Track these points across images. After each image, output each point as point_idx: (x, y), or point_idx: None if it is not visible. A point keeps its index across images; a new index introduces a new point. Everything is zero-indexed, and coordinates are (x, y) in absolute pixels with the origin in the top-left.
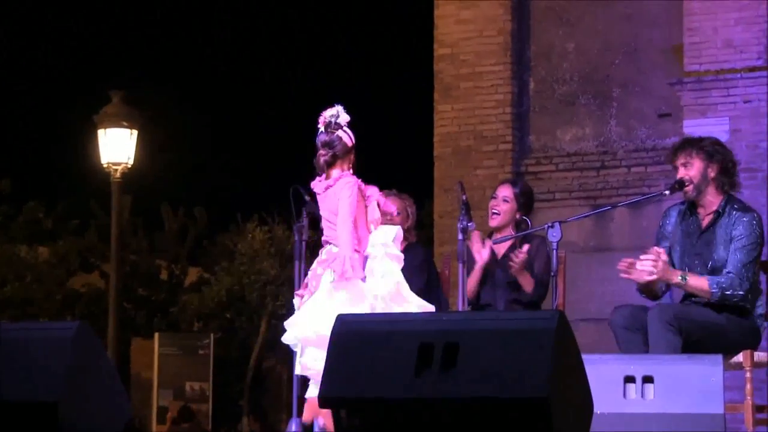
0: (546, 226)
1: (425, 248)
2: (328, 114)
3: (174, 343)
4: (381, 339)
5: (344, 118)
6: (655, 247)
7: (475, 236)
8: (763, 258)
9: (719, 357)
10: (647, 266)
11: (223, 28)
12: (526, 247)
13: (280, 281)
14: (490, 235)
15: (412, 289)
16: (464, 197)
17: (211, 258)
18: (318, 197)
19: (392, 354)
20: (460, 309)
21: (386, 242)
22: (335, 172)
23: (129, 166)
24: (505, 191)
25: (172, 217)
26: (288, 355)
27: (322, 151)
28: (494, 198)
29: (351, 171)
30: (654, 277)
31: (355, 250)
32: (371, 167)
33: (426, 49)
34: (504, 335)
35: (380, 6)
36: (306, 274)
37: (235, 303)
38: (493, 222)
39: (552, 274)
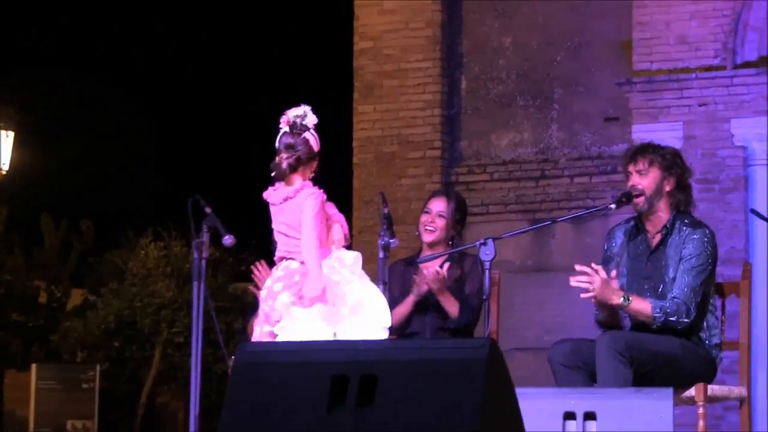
0: (477, 243)
1: None
2: (292, 114)
3: (54, 375)
4: (289, 371)
5: (311, 119)
6: (593, 264)
7: (425, 269)
8: (718, 280)
9: (669, 391)
10: (582, 282)
11: (115, 19)
12: (446, 265)
13: (177, 305)
14: (417, 254)
15: None
16: (386, 210)
17: (97, 278)
18: (271, 208)
19: (302, 387)
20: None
21: (355, 266)
22: (296, 180)
23: (3, 172)
24: (440, 205)
25: (53, 230)
26: (184, 389)
27: (284, 154)
28: (427, 213)
29: (312, 181)
30: (591, 295)
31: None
32: None
33: (345, 42)
34: (428, 367)
35: None
36: (201, 296)
37: (124, 330)
38: (428, 237)
39: (484, 297)
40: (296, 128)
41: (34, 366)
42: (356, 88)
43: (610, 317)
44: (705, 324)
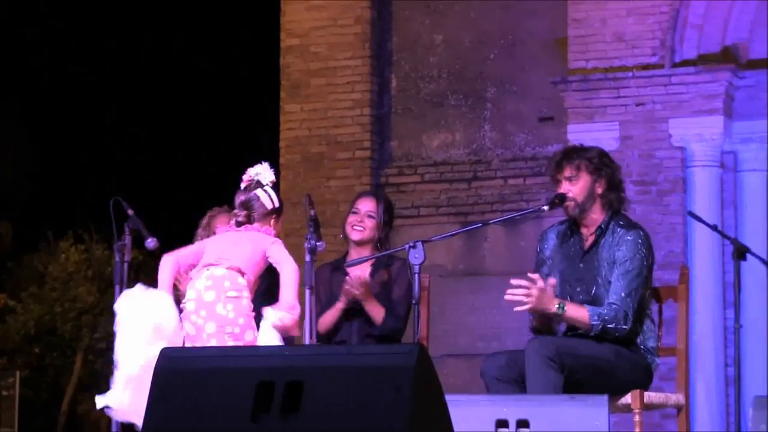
0: (407, 246)
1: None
2: (251, 171)
3: None
4: (212, 377)
5: (268, 176)
6: (530, 273)
7: (355, 273)
8: (655, 284)
9: (604, 398)
10: (518, 295)
11: (31, 14)
12: (368, 271)
13: (99, 310)
14: (343, 258)
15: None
16: (313, 212)
17: (16, 282)
18: (225, 237)
19: (225, 394)
20: (307, 343)
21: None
22: None
23: None
24: (369, 205)
25: None
26: None
27: (236, 211)
28: (355, 213)
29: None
30: (527, 307)
31: None
32: (211, 175)
33: (272, 39)
34: (355, 373)
35: None
36: None
37: (45, 335)
38: (356, 236)
39: (413, 301)
40: (251, 186)
41: None
42: (283, 87)
43: (544, 323)
44: (641, 328)
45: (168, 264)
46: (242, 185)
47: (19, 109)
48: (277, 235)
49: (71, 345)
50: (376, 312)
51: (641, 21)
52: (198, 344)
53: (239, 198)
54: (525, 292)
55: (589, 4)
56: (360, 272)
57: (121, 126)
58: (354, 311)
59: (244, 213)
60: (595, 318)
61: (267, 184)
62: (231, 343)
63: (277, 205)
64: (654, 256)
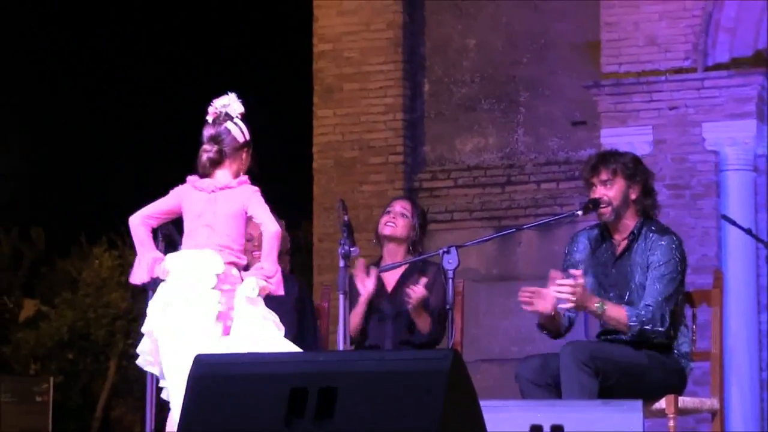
0: (441, 251)
1: (300, 280)
2: (218, 103)
3: (6, 388)
4: (246, 383)
5: (236, 108)
6: (573, 270)
7: (360, 264)
8: (689, 288)
9: (639, 403)
10: (565, 292)
11: (54, 20)
12: (423, 280)
13: (132, 315)
14: (377, 263)
15: (285, 334)
16: (346, 218)
17: (50, 288)
18: (194, 197)
19: (259, 400)
20: (341, 348)
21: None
22: (221, 174)
23: None
24: (403, 204)
25: (3, 239)
26: (140, 402)
27: (206, 146)
28: (388, 212)
29: (245, 175)
30: (571, 305)
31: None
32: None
33: (304, 44)
34: (388, 378)
35: None
36: None
37: (78, 341)
38: (388, 230)
39: (448, 307)
40: (219, 118)
41: None
42: (315, 92)
43: (550, 321)
44: (674, 332)
45: (137, 223)
46: (209, 118)
47: (50, 113)
48: (249, 170)
49: (104, 351)
50: (424, 323)
51: (674, 24)
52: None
53: (208, 132)
54: (570, 290)
55: (621, 8)
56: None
57: (153, 132)
58: (384, 316)
59: (215, 148)
60: (634, 318)
61: (236, 116)
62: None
63: (248, 137)
64: (687, 260)
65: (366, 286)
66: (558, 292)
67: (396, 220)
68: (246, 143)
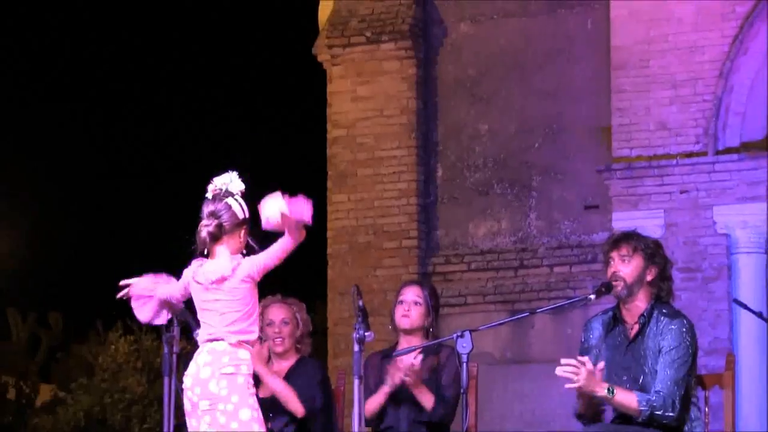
0: (455, 335)
1: (320, 362)
2: (218, 181)
3: None
4: None
5: (237, 186)
6: (579, 357)
7: (400, 361)
8: (701, 371)
9: None
10: (568, 372)
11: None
12: (419, 357)
13: (148, 400)
14: (394, 347)
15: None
16: (360, 303)
17: (66, 373)
18: (198, 286)
19: None
20: (356, 431)
21: None
22: (220, 252)
23: None
24: (415, 292)
25: (20, 324)
26: None
27: (205, 222)
28: (401, 302)
29: (242, 251)
30: (576, 385)
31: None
32: None
33: (319, 129)
34: None
35: (263, 79)
36: (172, 392)
37: (95, 426)
38: (406, 323)
39: (462, 390)
40: (219, 195)
41: None
42: (330, 177)
43: (589, 409)
44: (686, 415)
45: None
46: (209, 194)
47: (66, 202)
48: (246, 245)
49: None
50: (427, 399)
51: (684, 109)
52: (193, 419)
53: (208, 208)
54: (574, 371)
55: (632, 93)
56: (411, 359)
57: (166, 218)
58: (402, 397)
59: (214, 223)
60: (644, 404)
61: (236, 193)
62: (223, 420)
63: (247, 215)
64: (698, 344)
65: (394, 378)
66: (563, 372)
67: (410, 312)
68: (245, 220)
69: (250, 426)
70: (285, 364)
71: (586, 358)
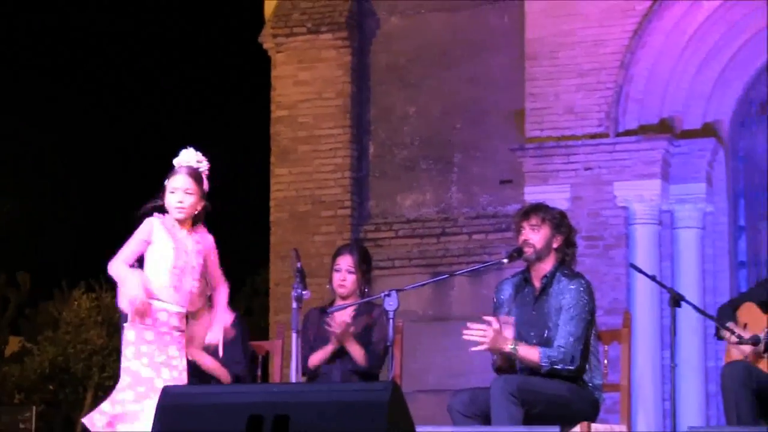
0: (383, 294)
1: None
2: (183, 156)
3: None
4: (208, 411)
5: (195, 158)
6: (485, 317)
7: (332, 319)
8: (602, 328)
9: (556, 428)
10: (476, 335)
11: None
12: (349, 317)
13: (107, 351)
14: (331, 304)
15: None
16: (299, 265)
17: (34, 327)
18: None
19: (220, 427)
20: (294, 381)
21: None
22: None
23: None
24: (348, 261)
25: None
26: None
27: (201, 198)
28: (338, 271)
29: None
30: (484, 347)
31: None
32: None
33: (263, 110)
34: (336, 407)
35: (214, 64)
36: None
37: (59, 374)
38: (343, 291)
39: (388, 343)
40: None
41: None
42: (273, 152)
43: (505, 362)
44: (587, 366)
45: (119, 264)
46: (205, 169)
47: (35, 171)
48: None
49: (83, 383)
50: (357, 352)
51: (589, 96)
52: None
53: (207, 185)
54: (481, 334)
55: (543, 81)
56: (343, 317)
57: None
58: (336, 350)
59: (203, 203)
60: (545, 359)
61: (200, 168)
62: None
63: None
64: (595, 302)
65: (335, 336)
66: (470, 336)
67: (345, 281)
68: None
69: None
70: (200, 328)
71: (492, 318)
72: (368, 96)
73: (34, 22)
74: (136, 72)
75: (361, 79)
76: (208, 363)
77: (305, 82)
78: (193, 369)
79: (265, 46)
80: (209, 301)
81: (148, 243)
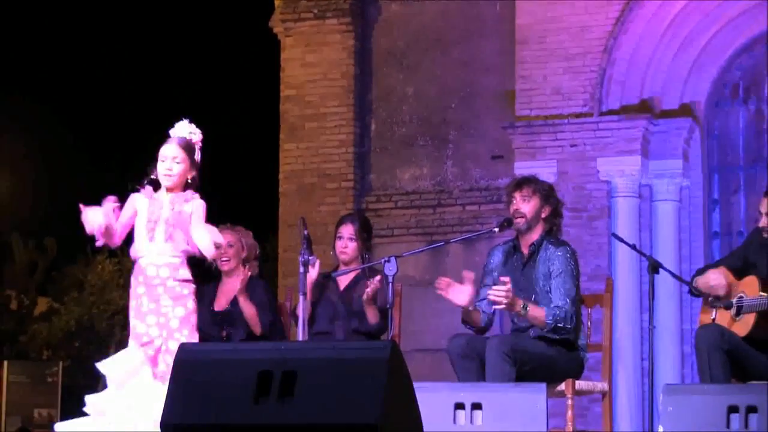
0: (383, 260)
1: (265, 282)
2: (179, 127)
3: (23, 371)
4: (221, 367)
5: (189, 130)
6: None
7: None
8: (585, 293)
9: (543, 385)
10: (500, 295)
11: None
12: (378, 277)
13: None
14: (334, 269)
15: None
16: (305, 232)
17: (60, 289)
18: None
19: (232, 382)
20: (301, 339)
21: None
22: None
23: None
24: (350, 230)
25: (22, 249)
26: None
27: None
28: (340, 239)
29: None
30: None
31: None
32: (219, 202)
33: (273, 89)
34: (339, 364)
35: (228, 48)
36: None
37: (84, 332)
38: (344, 257)
39: (388, 306)
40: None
41: (5, 363)
42: (282, 129)
43: (471, 317)
44: (576, 329)
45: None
46: (198, 140)
47: (59, 145)
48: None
49: (106, 340)
50: (372, 315)
51: (575, 78)
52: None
53: (197, 156)
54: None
55: (532, 64)
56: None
57: (144, 154)
58: (339, 310)
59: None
60: (550, 318)
61: (193, 139)
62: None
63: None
64: (580, 267)
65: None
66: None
67: (347, 249)
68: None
69: None
70: (233, 283)
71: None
72: (370, 77)
73: None
74: (158, 54)
75: (364, 61)
76: (249, 312)
77: (312, 64)
78: (227, 316)
79: (275, 30)
80: (243, 263)
81: (135, 212)
